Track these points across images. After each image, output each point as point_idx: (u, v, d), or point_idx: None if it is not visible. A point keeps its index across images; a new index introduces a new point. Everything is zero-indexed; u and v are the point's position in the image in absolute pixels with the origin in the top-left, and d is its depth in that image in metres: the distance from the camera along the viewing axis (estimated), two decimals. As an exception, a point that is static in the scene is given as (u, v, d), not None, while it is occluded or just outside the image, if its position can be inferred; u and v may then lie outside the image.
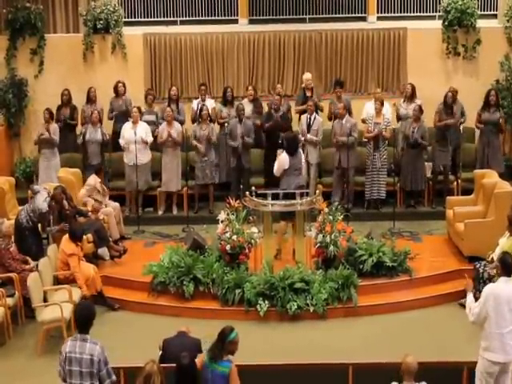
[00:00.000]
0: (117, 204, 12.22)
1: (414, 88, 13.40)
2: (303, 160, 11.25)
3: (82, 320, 6.38)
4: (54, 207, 10.71)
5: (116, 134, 13.36)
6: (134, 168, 12.71)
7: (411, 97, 13.37)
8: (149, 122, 13.26)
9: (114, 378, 6.36)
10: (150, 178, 13.19)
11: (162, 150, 13.18)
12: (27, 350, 9.14)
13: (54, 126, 13.13)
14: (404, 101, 13.51)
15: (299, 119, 13.20)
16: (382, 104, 13.00)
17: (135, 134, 12.61)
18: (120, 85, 13.71)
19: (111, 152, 13.50)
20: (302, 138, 12.64)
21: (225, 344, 6.50)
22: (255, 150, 13.45)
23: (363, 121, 13.23)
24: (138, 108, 13.16)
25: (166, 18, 15.00)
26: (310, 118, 12.90)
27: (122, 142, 12.97)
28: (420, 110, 12.77)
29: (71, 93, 13.83)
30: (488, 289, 7.05)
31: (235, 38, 14.64)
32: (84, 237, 10.83)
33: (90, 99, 13.68)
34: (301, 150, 11.33)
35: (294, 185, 10.79)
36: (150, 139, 12.99)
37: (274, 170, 11.02)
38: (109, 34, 14.52)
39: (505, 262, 7.14)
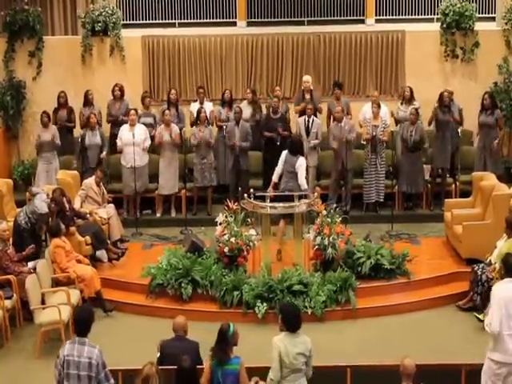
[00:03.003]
0: (111, 205, 12.17)
1: (412, 91, 13.42)
2: (299, 166, 11.02)
3: (81, 323, 6.38)
4: (54, 209, 10.69)
5: (114, 136, 13.33)
6: (132, 170, 12.71)
7: (409, 100, 13.39)
8: (146, 125, 13.23)
9: (112, 381, 6.35)
10: (147, 181, 13.18)
11: (159, 152, 13.17)
12: (25, 353, 9.13)
13: (54, 129, 13.12)
14: (402, 103, 13.52)
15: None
16: (379, 106, 13.01)
17: (133, 136, 12.61)
18: (116, 88, 13.67)
19: (109, 154, 13.46)
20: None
21: (229, 340, 6.56)
22: (254, 153, 13.45)
23: (360, 124, 13.24)
24: (135, 110, 13.14)
25: (164, 21, 14.99)
26: (308, 121, 12.89)
27: (119, 143, 12.96)
28: (416, 112, 12.79)
29: (69, 95, 13.81)
30: (496, 292, 6.97)
31: (234, 41, 14.63)
32: (82, 238, 10.88)
33: (88, 102, 13.67)
34: (302, 162, 11.09)
35: (284, 188, 10.90)
36: (148, 143, 12.98)
37: (274, 176, 11.24)
38: (107, 37, 14.51)
39: (509, 263, 7.12)
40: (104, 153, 13.09)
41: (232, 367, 6.53)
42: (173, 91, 13.70)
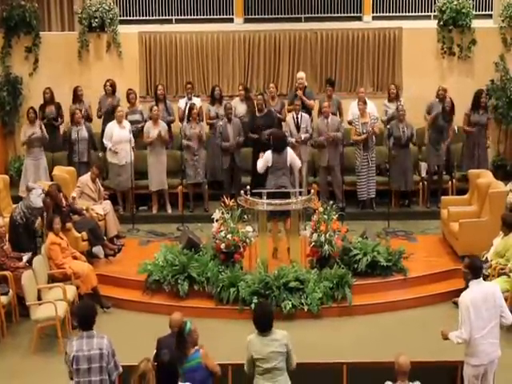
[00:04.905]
0: (108, 201, 12.15)
1: (398, 89, 13.55)
2: (289, 161, 10.84)
3: (85, 319, 6.39)
4: (48, 204, 10.67)
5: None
6: (124, 167, 12.73)
7: (395, 98, 13.46)
8: (133, 122, 13.17)
9: (120, 369, 6.42)
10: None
11: (147, 148, 13.08)
12: (21, 349, 9.12)
13: (40, 124, 13.05)
14: (389, 101, 13.56)
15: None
16: (365, 103, 13.00)
17: (129, 132, 12.59)
18: (108, 84, 13.60)
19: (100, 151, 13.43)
20: (293, 140, 12.52)
21: (186, 338, 6.52)
22: (245, 149, 13.37)
23: (349, 122, 13.20)
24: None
25: (161, 17, 14.98)
26: (297, 117, 12.84)
27: (107, 143, 12.88)
28: (402, 108, 12.82)
29: (65, 91, 13.82)
30: (464, 299, 6.90)
31: (230, 37, 14.62)
32: (78, 235, 10.86)
33: (77, 98, 13.62)
34: (290, 151, 10.96)
35: (274, 185, 10.62)
36: (133, 140, 12.91)
37: (258, 167, 10.96)
38: (104, 33, 14.50)
39: (474, 264, 7.06)
40: (100, 153, 13.10)
41: (193, 362, 6.49)
42: (160, 87, 13.64)
